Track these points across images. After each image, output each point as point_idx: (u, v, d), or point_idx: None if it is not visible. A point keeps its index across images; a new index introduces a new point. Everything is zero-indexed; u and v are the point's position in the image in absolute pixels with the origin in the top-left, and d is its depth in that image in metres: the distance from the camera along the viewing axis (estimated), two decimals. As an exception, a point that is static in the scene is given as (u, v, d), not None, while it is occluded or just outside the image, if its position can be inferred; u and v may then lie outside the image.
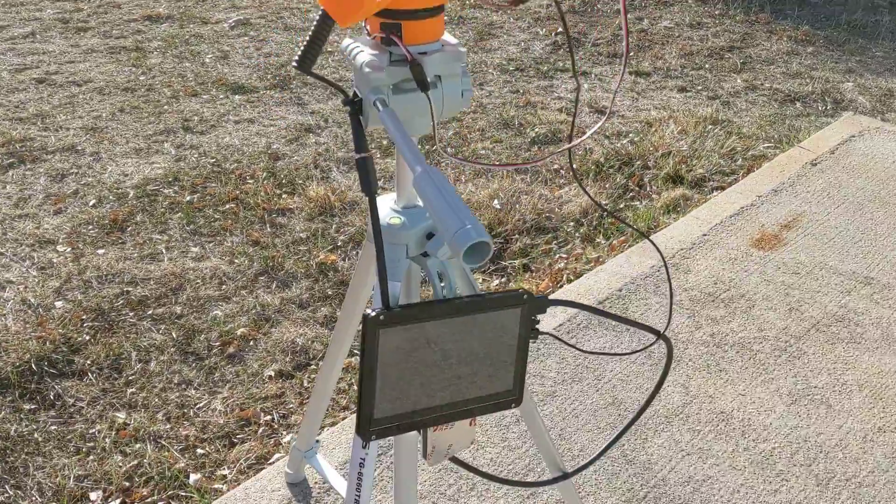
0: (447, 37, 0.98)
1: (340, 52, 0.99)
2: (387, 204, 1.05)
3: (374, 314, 0.90)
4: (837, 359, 1.93)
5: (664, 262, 1.12)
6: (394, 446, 1.17)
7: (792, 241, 2.40)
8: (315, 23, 0.90)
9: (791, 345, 1.99)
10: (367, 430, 0.99)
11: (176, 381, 2.18)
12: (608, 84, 4.28)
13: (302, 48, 0.90)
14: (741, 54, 4.74)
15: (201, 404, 2.10)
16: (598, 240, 2.72)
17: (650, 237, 2.56)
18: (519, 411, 1.28)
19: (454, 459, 1.15)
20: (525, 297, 1.03)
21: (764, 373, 1.90)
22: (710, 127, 3.68)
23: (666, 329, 1.09)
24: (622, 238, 2.72)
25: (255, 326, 2.37)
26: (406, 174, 1.02)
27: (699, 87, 4.26)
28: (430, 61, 0.93)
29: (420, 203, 1.03)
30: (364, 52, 0.94)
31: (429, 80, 0.93)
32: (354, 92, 0.94)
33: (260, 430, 2.00)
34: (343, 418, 1.98)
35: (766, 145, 3.44)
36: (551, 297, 2.06)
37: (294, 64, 0.91)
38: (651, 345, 1.10)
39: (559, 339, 1.07)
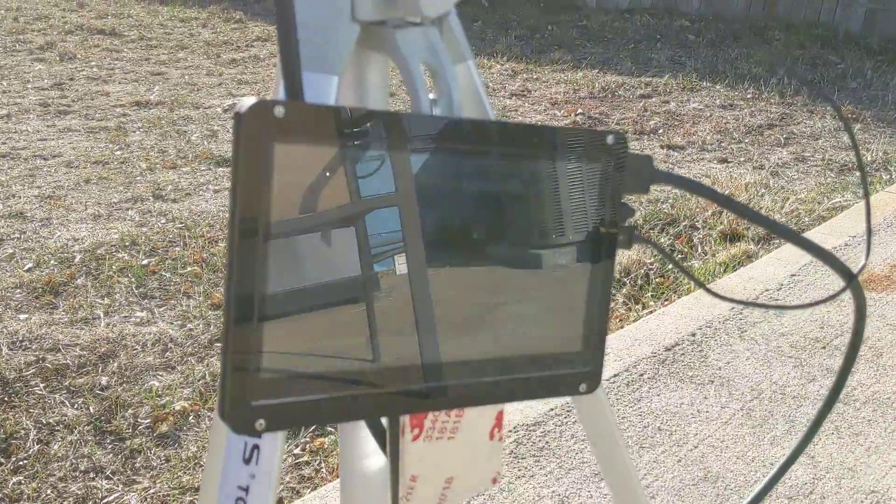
0: None
1: None
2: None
3: (255, 102, 0.34)
4: None
5: (857, 152, 0.59)
6: (340, 487, 0.59)
7: (909, 283, 1.83)
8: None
9: (950, 401, 1.38)
10: (243, 404, 0.41)
11: (83, 468, 1.58)
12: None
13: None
14: (783, 131, 4.29)
15: (110, 498, 1.49)
16: (645, 299, 2.15)
17: (711, 284, 1.98)
18: (578, 412, 0.69)
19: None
20: (611, 139, 0.47)
21: (922, 437, 1.29)
22: (762, 190, 3.17)
23: (862, 269, 0.53)
24: (677, 298, 2.15)
25: (201, 400, 1.79)
26: None
27: (741, 159, 3.79)
28: None
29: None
30: None
31: None
32: None
33: (183, 530, 1.38)
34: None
35: (839, 200, 2.91)
36: (622, 379, 1.48)
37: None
38: (842, 290, 0.54)
39: (675, 263, 0.52)
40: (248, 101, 0.36)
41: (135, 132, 4.12)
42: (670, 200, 3.11)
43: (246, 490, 0.44)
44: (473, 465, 0.53)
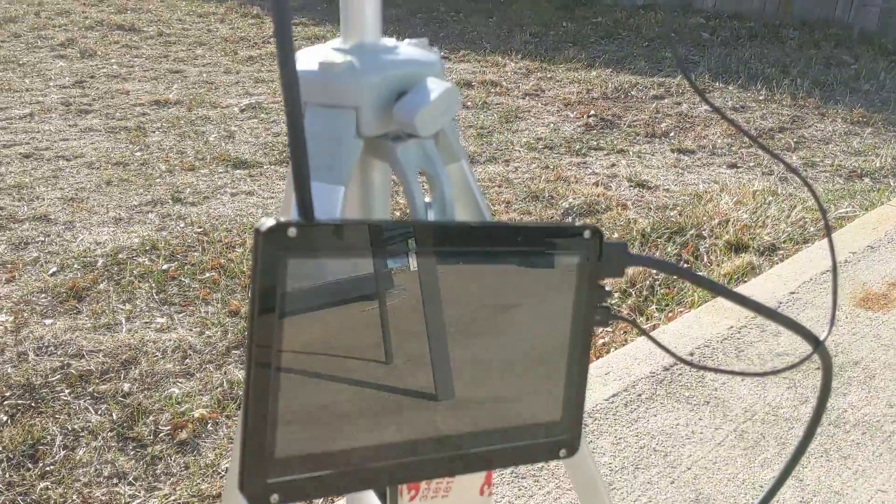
0: None
1: None
2: (324, 47, 0.56)
3: (274, 223, 0.41)
4: None
5: (833, 261, 0.64)
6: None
7: (907, 303, 1.87)
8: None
9: (937, 424, 1.44)
10: (259, 481, 0.48)
11: (106, 474, 1.65)
12: (647, 160, 3.85)
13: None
14: (793, 134, 4.31)
15: (133, 504, 1.57)
16: (650, 310, 2.20)
17: (711, 302, 2.04)
18: (564, 465, 0.75)
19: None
20: (589, 234, 0.53)
21: (908, 461, 1.34)
22: (769, 198, 3.21)
23: (827, 336, 0.59)
24: (681, 308, 2.20)
25: (219, 407, 1.86)
26: None
27: (751, 164, 3.82)
28: None
29: (386, 42, 0.55)
30: None
31: None
32: None
33: (203, 538, 1.45)
34: None
35: (844, 210, 2.95)
36: (622, 399, 1.53)
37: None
38: (809, 356, 0.59)
39: (648, 336, 0.58)
40: (267, 222, 0.43)
41: (154, 132, 4.20)
42: (678, 208, 3.16)
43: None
44: (466, 517, 0.59)
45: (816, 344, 0.67)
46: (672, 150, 4.00)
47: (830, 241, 0.67)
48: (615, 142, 4.13)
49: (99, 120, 4.42)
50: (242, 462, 0.46)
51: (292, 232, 0.43)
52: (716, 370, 0.56)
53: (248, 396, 0.46)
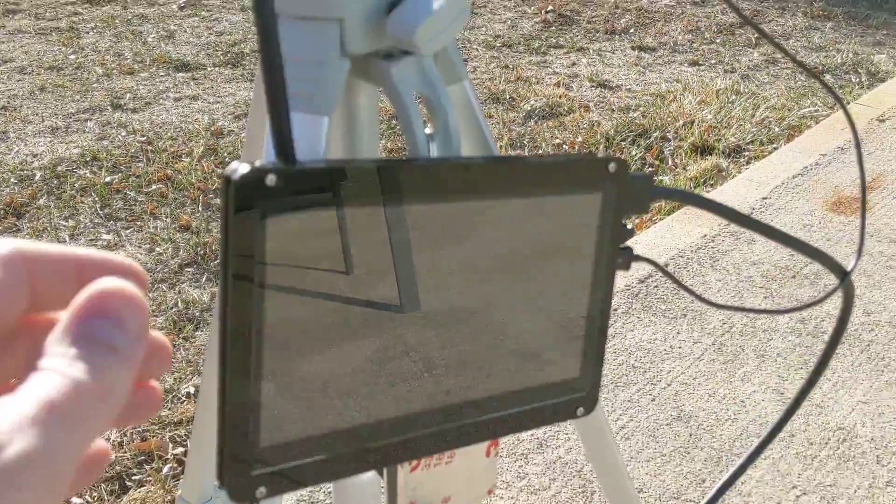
0: None
1: None
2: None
3: (248, 170, 0.31)
4: (980, 350, 1.37)
5: (852, 126, 0.58)
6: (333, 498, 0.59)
7: (879, 204, 1.84)
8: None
9: (914, 332, 1.42)
10: (245, 475, 0.39)
11: (59, 403, 1.57)
12: (608, 59, 3.74)
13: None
14: (754, 30, 4.22)
15: (90, 433, 1.49)
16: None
17: (680, 210, 1.99)
18: (576, 424, 0.70)
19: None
20: (612, 165, 0.44)
21: (887, 371, 1.33)
22: (733, 97, 3.14)
23: (855, 266, 0.52)
24: (650, 216, 2.16)
25: (175, 329, 1.78)
26: None
27: (713, 61, 3.74)
28: None
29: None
30: None
31: None
32: None
33: (165, 469, 1.39)
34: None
35: (809, 109, 2.91)
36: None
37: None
38: (834, 290, 0.53)
39: (675, 280, 0.51)
40: (240, 168, 0.34)
41: (88, 33, 3.94)
42: (641, 109, 3.08)
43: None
44: (470, 481, 0.54)
45: (843, 276, 0.61)
46: (633, 48, 3.89)
47: (861, 164, 0.60)
48: (575, 39, 4.00)
49: (28, 20, 4.13)
50: (220, 452, 0.38)
51: (271, 179, 0.34)
52: (739, 309, 0.50)
53: (225, 378, 0.37)
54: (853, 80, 3.48)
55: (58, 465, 0.19)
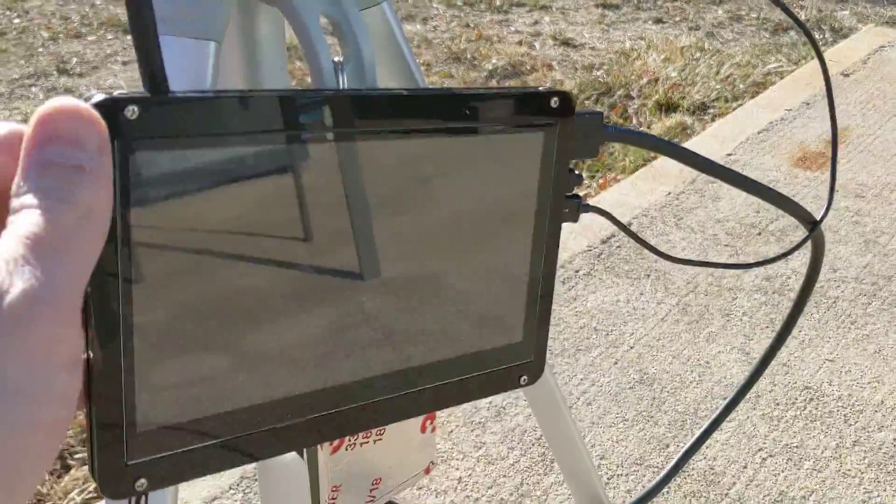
0: None
1: None
2: None
3: (101, 99, 0.23)
4: (947, 304, 1.34)
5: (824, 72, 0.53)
6: (258, 478, 0.53)
7: (845, 159, 1.81)
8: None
9: (881, 287, 1.39)
10: (121, 466, 0.32)
11: None
12: (571, 17, 3.67)
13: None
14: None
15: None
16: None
17: (649, 165, 1.94)
18: (525, 394, 0.65)
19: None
20: (555, 99, 0.37)
21: (853, 328, 1.29)
22: (697, 54, 3.09)
23: (825, 215, 0.47)
24: (613, 174, 2.10)
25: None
26: None
27: (677, 19, 3.68)
28: None
29: None
30: None
31: None
32: None
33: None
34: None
35: (773, 66, 2.87)
36: (558, 276, 1.42)
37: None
38: (805, 240, 0.47)
39: (631, 234, 0.45)
40: (95, 97, 0.27)
41: (31, -5, 3.78)
42: (605, 67, 3.02)
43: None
44: (404, 461, 0.48)
45: (813, 226, 0.55)
46: (596, 6, 3.82)
47: (832, 112, 0.55)
48: (538, -3, 3.92)
49: (-34, -19, 3.95)
50: (90, 440, 0.32)
51: (132, 111, 0.27)
52: (702, 264, 0.44)
53: (91, 363, 0.31)
54: (818, 36, 3.44)
55: (61, 298, 0.20)
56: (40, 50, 3.15)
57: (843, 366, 1.21)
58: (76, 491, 1.22)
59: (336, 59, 0.39)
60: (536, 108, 0.37)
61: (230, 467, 0.34)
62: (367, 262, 0.34)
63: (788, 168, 1.76)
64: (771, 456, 1.07)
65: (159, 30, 0.26)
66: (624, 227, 0.48)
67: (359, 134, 0.32)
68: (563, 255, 1.41)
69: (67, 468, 1.29)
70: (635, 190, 1.67)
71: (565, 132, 0.39)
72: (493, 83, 2.89)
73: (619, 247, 1.46)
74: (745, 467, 1.05)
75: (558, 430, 0.58)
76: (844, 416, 1.13)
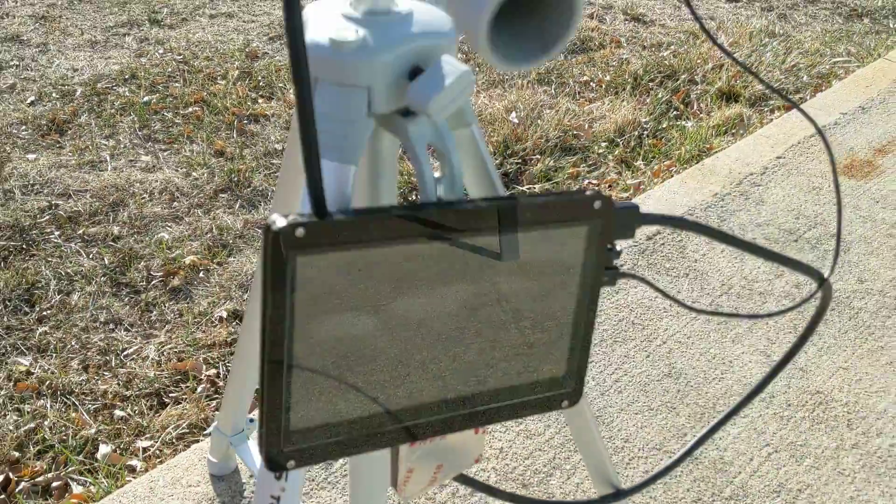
0: None
1: None
2: (333, 6, 0.54)
3: (283, 224, 0.41)
4: (964, 323, 1.45)
5: (825, 143, 0.65)
6: (349, 471, 0.70)
7: (890, 169, 1.89)
8: None
9: (903, 302, 1.50)
10: (279, 451, 0.51)
11: (102, 320, 1.71)
12: (646, -9, 3.71)
13: None
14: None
15: (130, 350, 1.63)
16: (637, 163, 2.21)
17: (701, 163, 2.05)
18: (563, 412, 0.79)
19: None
20: (599, 204, 0.53)
21: (870, 339, 1.41)
22: (766, 40, 3.13)
23: (832, 272, 0.61)
24: (668, 162, 2.21)
25: (209, 254, 1.89)
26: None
27: (751, -1, 3.69)
28: None
29: (400, 4, 0.53)
30: None
31: None
32: None
33: (199, 389, 1.53)
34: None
35: (837, 59, 2.90)
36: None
37: None
38: (812, 295, 0.62)
39: (656, 289, 0.60)
40: (277, 222, 0.43)
41: (125, -61, 3.95)
42: (672, 47, 3.08)
43: (277, 500, 0.55)
44: (461, 453, 0.64)
45: (821, 281, 0.69)
46: (671, -21, 3.83)
47: (839, 200, 0.68)
48: (611, -31, 3.95)
49: (65, -78, 4.14)
50: (260, 431, 0.49)
51: (300, 232, 0.44)
52: (717, 314, 0.59)
53: (263, 384, 0.48)
54: (892, 24, 3.43)
55: None
56: (133, -3, 3.33)
57: (855, 374, 1.34)
58: (171, 427, 1.43)
59: (437, 174, 0.54)
60: (582, 209, 0.53)
61: (351, 455, 0.51)
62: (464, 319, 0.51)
63: (834, 176, 1.85)
64: (776, 451, 1.21)
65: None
66: (657, 288, 0.63)
67: (465, 233, 0.48)
68: (609, 250, 1.55)
69: (164, 405, 1.50)
70: (684, 188, 1.79)
71: (606, 223, 0.54)
72: (561, 58, 2.98)
73: (662, 244, 1.59)
74: (751, 459, 1.20)
75: (585, 439, 0.74)
76: (848, 420, 1.26)
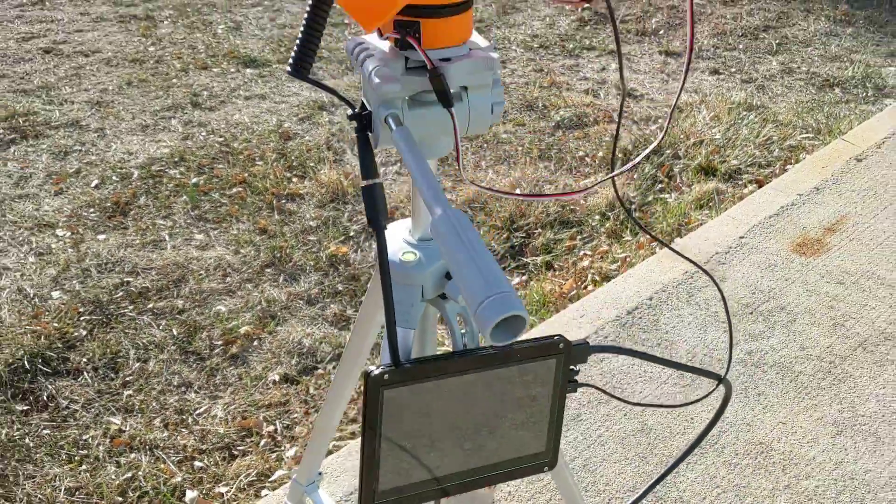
0: (476, 38, 0.80)
1: (346, 53, 0.84)
2: (399, 235, 0.90)
3: (377, 372, 0.76)
4: (887, 383, 1.78)
5: (717, 285, 0.98)
6: None
7: (836, 247, 2.23)
8: (307, 14, 0.72)
9: (836, 366, 1.83)
10: (371, 500, 0.86)
11: (175, 384, 2.05)
12: (635, 64, 4.09)
13: (295, 49, 0.73)
14: (777, 34, 4.51)
15: (201, 410, 1.98)
16: (624, 236, 2.56)
17: (673, 242, 2.40)
18: (550, 475, 1.14)
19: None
20: (562, 345, 0.88)
21: (807, 398, 1.75)
22: (744, 113, 3.49)
23: (727, 372, 0.94)
24: (654, 234, 2.56)
25: (260, 324, 2.24)
26: (423, 202, 0.87)
27: (732, 70, 4.06)
28: (454, 69, 0.75)
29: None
30: (374, 57, 0.76)
31: (452, 92, 0.76)
32: (363, 103, 0.78)
33: (262, 443, 1.87)
34: (351, 434, 1.85)
35: (804, 135, 3.25)
36: (591, 341, 1.91)
37: (287, 69, 0.75)
38: (710, 393, 0.95)
39: (604, 392, 0.93)
40: (374, 371, 0.78)
41: (163, 22, 4.36)
42: (660, 122, 3.44)
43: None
44: (479, 500, 0.98)
45: (719, 380, 1.02)
46: (660, 52, 4.21)
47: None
48: (607, 41, 4.33)
49: (107, 7, 4.55)
50: (359, 494, 0.84)
51: (387, 377, 0.78)
52: (652, 405, 0.91)
53: (363, 464, 0.82)
54: (860, 94, 3.79)
55: None
56: (174, 81, 3.72)
57: (792, 427, 1.67)
58: (243, 475, 1.77)
59: (462, 331, 0.88)
60: (551, 348, 0.87)
61: (421, 502, 0.85)
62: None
63: (787, 253, 2.19)
64: (724, 492, 1.54)
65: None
66: (603, 390, 0.97)
67: (481, 369, 0.82)
68: (596, 324, 1.89)
69: (234, 456, 1.84)
70: (660, 267, 2.13)
71: (567, 355, 0.88)
72: (560, 133, 3.34)
73: (640, 318, 1.93)
74: (704, 498, 1.52)
75: (564, 487, 1.07)
76: (783, 466, 1.59)
